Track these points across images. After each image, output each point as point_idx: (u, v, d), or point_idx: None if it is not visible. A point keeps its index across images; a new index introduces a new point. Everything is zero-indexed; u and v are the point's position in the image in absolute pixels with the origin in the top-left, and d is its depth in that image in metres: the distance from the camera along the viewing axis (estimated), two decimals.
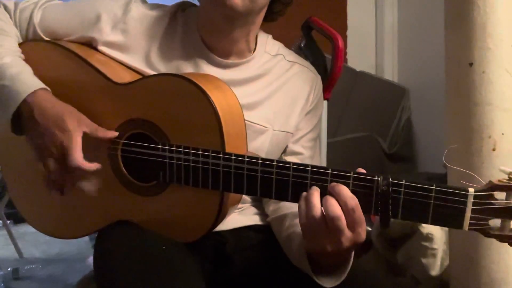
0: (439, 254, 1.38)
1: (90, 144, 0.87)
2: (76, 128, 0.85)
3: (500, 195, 0.68)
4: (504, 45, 1.00)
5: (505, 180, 0.68)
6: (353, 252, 0.78)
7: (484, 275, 1.05)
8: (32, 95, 0.86)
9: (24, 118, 0.87)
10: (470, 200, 0.68)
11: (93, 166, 0.86)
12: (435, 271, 1.38)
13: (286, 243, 0.90)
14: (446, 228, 1.36)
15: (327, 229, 0.71)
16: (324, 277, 0.79)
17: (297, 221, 0.77)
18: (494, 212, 0.68)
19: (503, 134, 1.02)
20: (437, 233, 1.39)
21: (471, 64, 1.02)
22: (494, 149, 1.02)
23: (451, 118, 1.09)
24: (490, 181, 0.68)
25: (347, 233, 0.71)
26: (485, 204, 0.68)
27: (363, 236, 0.72)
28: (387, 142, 2.70)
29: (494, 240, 1.05)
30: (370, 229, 1.62)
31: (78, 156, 0.84)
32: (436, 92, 1.88)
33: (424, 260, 1.39)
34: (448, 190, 0.69)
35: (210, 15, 0.92)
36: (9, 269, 2.32)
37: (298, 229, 0.79)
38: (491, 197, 0.68)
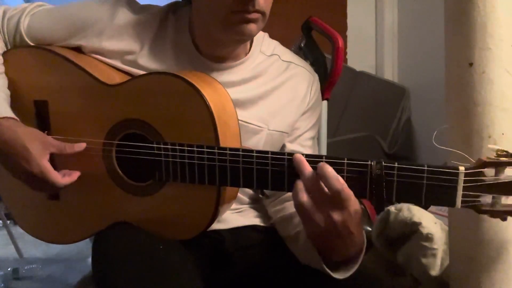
0: (439, 254, 1.37)
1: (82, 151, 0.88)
2: (40, 153, 0.85)
3: (490, 172, 0.70)
4: (504, 45, 1.00)
5: (493, 157, 0.71)
6: (365, 244, 0.79)
7: (484, 275, 1.05)
8: None
9: None
10: (461, 178, 0.70)
11: (72, 178, 0.88)
12: (435, 271, 1.37)
13: (294, 240, 0.90)
14: (446, 228, 1.36)
15: (331, 202, 0.72)
16: (333, 271, 0.79)
17: None
18: (484, 188, 0.70)
19: (503, 134, 1.02)
20: (437, 233, 1.38)
21: (471, 64, 1.02)
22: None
23: (451, 118, 1.09)
24: (479, 159, 0.71)
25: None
26: (476, 181, 0.70)
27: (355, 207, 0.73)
28: (387, 142, 2.70)
29: (494, 240, 1.05)
30: (370, 229, 1.62)
31: (56, 178, 0.85)
32: (436, 92, 1.88)
33: (424, 260, 1.38)
34: (440, 169, 0.71)
35: (217, 35, 0.90)
36: (9, 269, 2.31)
37: None
38: (481, 174, 0.70)
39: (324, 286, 0.79)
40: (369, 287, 0.86)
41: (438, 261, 1.37)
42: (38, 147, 0.85)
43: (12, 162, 0.86)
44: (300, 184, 0.73)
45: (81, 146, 0.89)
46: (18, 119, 0.89)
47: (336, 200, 0.71)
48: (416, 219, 1.41)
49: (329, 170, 0.71)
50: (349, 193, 0.71)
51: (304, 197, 0.72)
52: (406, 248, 1.45)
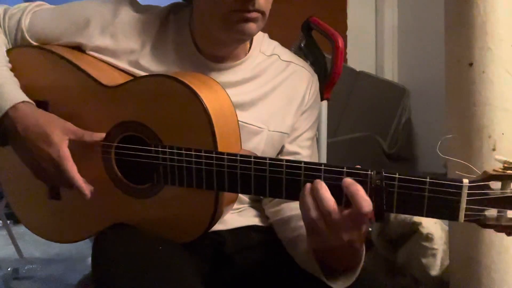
0: (439, 254, 1.38)
1: (83, 149, 0.87)
2: (61, 138, 0.85)
3: (496, 185, 0.67)
4: (504, 45, 1.00)
5: (500, 170, 0.67)
6: (363, 256, 0.78)
7: (484, 275, 1.05)
8: (14, 109, 0.86)
9: (8, 132, 0.87)
10: (465, 191, 0.67)
11: (88, 189, 0.86)
12: (435, 271, 1.38)
13: (292, 245, 0.90)
14: (446, 228, 1.36)
15: (349, 221, 0.70)
16: (333, 280, 0.78)
17: (302, 223, 0.76)
18: (490, 202, 0.67)
19: (503, 134, 1.02)
20: (437, 233, 1.39)
21: (471, 64, 1.02)
22: (494, 149, 1.02)
23: (451, 118, 1.09)
24: (485, 171, 0.67)
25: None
26: (480, 195, 0.67)
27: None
28: (387, 142, 2.70)
29: (494, 240, 1.05)
30: (370, 229, 1.62)
31: (71, 167, 0.85)
32: (436, 92, 1.88)
33: (424, 260, 1.39)
34: (442, 182, 0.68)
35: (217, 35, 0.90)
36: (9, 269, 2.31)
37: (305, 230, 0.78)
38: (486, 187, 0.66)
39: (324, 286, 0.78)
40: (369, 287, 0.85)
41: (438, 261, 1.38)
42: (59, 133, 0.85)
43: (31, 146, 0.85)
44: (310, 200, 0.71)
45: (100, 135, 0.88)
46: (34, 103, 0.89)
47: (353, 220, 0.70)
48: (416, 219, 1.41)
49: (361, 190, 0.70)
50: (368, 217, 0.70)
51: (317, 213, 0.71)
52: (406, 248, 1.46)
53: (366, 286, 0.84)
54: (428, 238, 1.38)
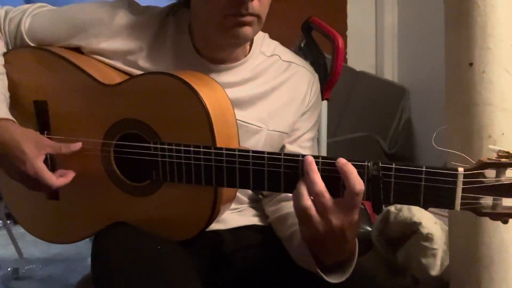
0: (439, 254, 1.37)
1: (80, 150, 0.88)
2: (35, 154, 0.85)
3: (491, 173, 0.68)
4: (504, 45, 1.00)
5: (494, 158, 0.68)
6: (356, 249, 0.78)
7: (484, 275, 1.05)
8: None
9: None
10: (460, 179, 0.68)
11: (66, 179, 0.88)
12: (435, 271, 1.37)
13: (289, 241, 0.90)
14: (446, 228, 1.36)
15: (341, 206, 0.71)
16: (328, 274, 0.78)
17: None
18: (485, 190, 0.68)
19: (503, 134, 1.02)
20: (437, 233, 1.38)
21: (471, 64, 1.02)
22: None
23: (451, 118, 1.09)
24: (479, 160, 0.69)
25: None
26: (476, 183, 0.68)
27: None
28: (387, 142, 2.70)
29: (494, 240, 1.05)
30: (370, 229, 1.62)
31: (50, 179, 0.85)
32: (436, 92, 1.88)
33: (424, 260, 1.38)
34: (438, 171, 0.69)
35: (214, 39, 0.90)
36: (9, 269, 2.31)
37: None
38: (481, 175, 0.68)
39: (322, 285, 0.78)
40: (367, 286, 0.85)
41: (438, 261, 1.37)
42: (33, 149, 0.85)
43: (8, 163, 0.86)
44: (303, 188, 0.72)
45: (77, 146, 0.89)
46: (15, 120, 0.89)
47: (345, 204, 0.71)
48: (416, 219, 1.41)
49: (355, 171, 0.70)
50: (360, 200, 0.71)
51: (308, 201, 0.71)
52: (406, 248, 1.45)
53: (366, 286, 0.84)
54: (428, 238, 1.38)
